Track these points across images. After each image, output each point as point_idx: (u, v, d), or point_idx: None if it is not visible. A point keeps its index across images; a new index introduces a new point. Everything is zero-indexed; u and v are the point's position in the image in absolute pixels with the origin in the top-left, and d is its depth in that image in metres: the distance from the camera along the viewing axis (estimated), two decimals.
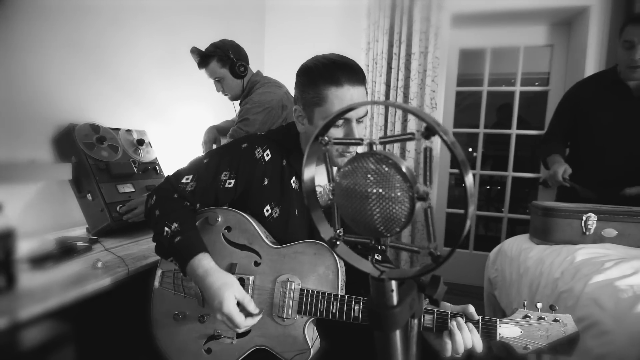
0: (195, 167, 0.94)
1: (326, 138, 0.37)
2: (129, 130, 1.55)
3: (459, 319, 0.76)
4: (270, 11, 2.80)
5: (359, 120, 0.87)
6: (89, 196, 1.31)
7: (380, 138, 0.34)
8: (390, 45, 2.36)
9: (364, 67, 2.39)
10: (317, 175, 1.00)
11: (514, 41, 2.55)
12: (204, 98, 2.19)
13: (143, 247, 1.24)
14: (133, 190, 1.43)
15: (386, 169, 0.30)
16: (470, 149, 3.46)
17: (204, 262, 0.82)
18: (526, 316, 0.78)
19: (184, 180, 0.92)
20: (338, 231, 0.37)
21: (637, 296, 0.88)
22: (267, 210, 0.95)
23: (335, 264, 0.84)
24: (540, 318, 0.77)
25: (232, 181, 0.93)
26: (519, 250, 1.45)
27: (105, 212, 1.29)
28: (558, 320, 0.76)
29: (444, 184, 2.76)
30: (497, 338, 0.77)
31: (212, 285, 0.79)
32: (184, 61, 1.95)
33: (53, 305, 0.80)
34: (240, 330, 0.80)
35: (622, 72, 1.54)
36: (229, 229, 0.91)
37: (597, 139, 1.63)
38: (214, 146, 1.67)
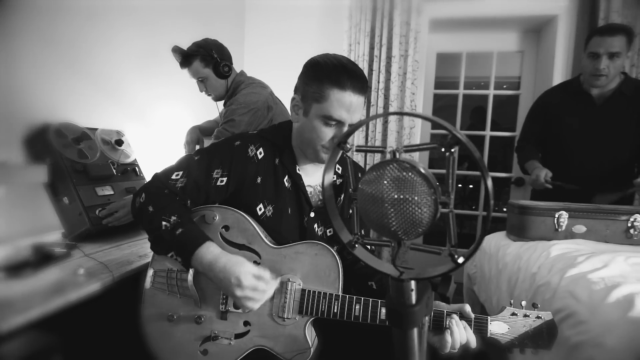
0: (185, 164, 0.93)
1: (348, 145, 0.37)
2: (106, 130, 1.49)
3: (455, 316, 0.79)
4: (250, 11, 2.77)
5: (349, 125, 0.90)
6: (65, 200, 1.25)
7: (404, 147, 0.35)
8: (372, 48, 2.40)
9: None
10: (307, 175, 1.01)
11: (488, 46, 2.66)
12: (183, 98, 2.13)
13: (126, 252, 1.19)
14: (112, 192, 1.38)
15: (412, 176, 0.32)
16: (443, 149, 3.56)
17: (212, 249, 0.82)
18: (513, 314, 0.82)
19: (173, 177, 0.90)
20: (357, 235, 0.37)
21: (608, 287, 0.95)
22: (260, 209, 0.95)
23: (336, 265, 0.85)
24: (525, 315, 0.82)
25: (224, 179, 0.92)
26: (497, 247, 1.52)
27: (84, 216, 1.23)
28: (540, 317, 0.81)
29: None
30: (488, 334, 0.81)
31: (224, 266, 0.79)
32: (162, 59, 1.90)
33: (36, 315, 0.76)
34: (265, 297, 0.80)
35: (587, 80, 1.65)
36: (226, 228, 0.90)
37: (564, 144, 1.74)
38: (197, 147, 1.63)
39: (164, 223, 0.83)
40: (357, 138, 2.42)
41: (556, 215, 1.40)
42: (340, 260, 0.87)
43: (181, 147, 2.04)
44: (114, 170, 1.41)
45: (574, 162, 1.71)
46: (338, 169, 1.06)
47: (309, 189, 1.01)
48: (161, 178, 0.91)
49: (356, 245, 0.37)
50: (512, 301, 0.84)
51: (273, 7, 2.71)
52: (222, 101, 1.71)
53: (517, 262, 1.31)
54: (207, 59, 1.49)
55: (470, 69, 2.74)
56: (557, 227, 1.40)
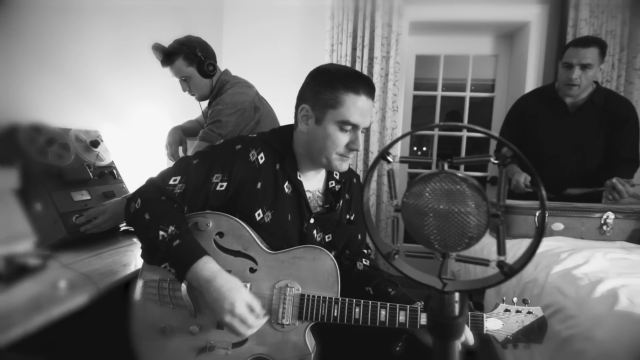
0: (183, 168, 0.88)
1: (390, 158, 0.36)
2: (81, 131, 1.40)
3: None
4: (229, 11, 2.69)
5: (362, 130, 0.91)
6: (38, 206, 1.15)
7: (455, 158, 0.35)
8: (354, 49, 2.41)
9: None
10: (307, 180, 1.00)
11: (464, 50, 2.74)
12: (161, 97, 2.04)
13: (107, 261, 1.12)
14: (89, 197, 1.30)
15: (464, 188, 0.31)
16: (424, 148, 3.66)
17: (210, 265, 0.78)
18: (506, 310, 0.85)
19: (171, 182, 0.86)
20: (396, 246, 0.36)
21: (593, 283, 1.00)
22: (259, 215, 0.92)
23: (335, 269, 0.84)
24: (518, 311, 0.85)
25: (224, 184, 0.89)
26: (481, 246, 1.57)
27: (60, 224, 1.15)
28: (531, 312, 0.84)
29: (403, 184, 2.88)
30: (484, 331, 0.83)
31: (221, 288, 0.76)
32: (138, 56, 1.81)
33: (15, 336, 0.69)
34: (249, 333, 0.78)
35: (561, 89, 1.73)
36: (220, 234, 0.87)
37: (539, 149, 1.81)
38: (180, 148, 1.56)
39: (161, 233, 0.79)
40: None
41: (537, 214, 1.46)
42: (337, 265, 0.86)
43: (160, 148, 1.96)
44: (91, 174, 1.32)
45: (548, 167, 1.79)
46: (335, 174, 1.06)
47: (308, 194, 1.00)
48: (158, 183, 0.86)
49: (396, 257, 0.36)
50: (504, 298, 0.87)
51: (252, 6, 2.65)
52: (206, 101, 1.65)
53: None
54: (190, 57, 1.43)
55: (447, 71, 2.81)
56: (537, 224, 1.46)
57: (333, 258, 0.86)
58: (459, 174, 0.32)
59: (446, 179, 0.33)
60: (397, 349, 0.91)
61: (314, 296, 0.82)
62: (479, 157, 0.33)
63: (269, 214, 0.93)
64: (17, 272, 0.95)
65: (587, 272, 1.06)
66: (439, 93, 2.79)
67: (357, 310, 0.82)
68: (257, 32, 2.66)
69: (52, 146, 1.22)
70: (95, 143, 1.40)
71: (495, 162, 0.33)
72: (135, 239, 1.36)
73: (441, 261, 0.34)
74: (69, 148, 1.29)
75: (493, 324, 0.83)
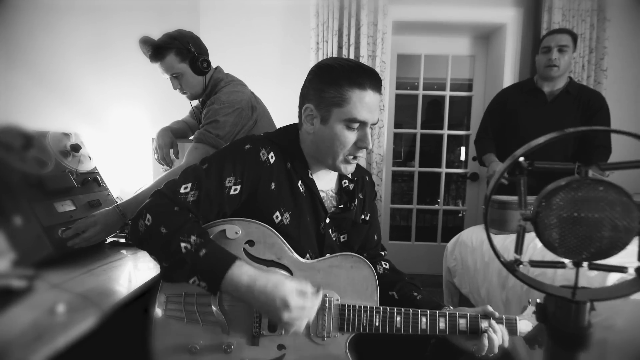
0: (193, 175, 0.81)
1: (525, 163, 0.33)
2: (59, 134, 1.26)
3: (490, 319, 0.81)
4: (206, 9, 2.56)
5: (371, 126, 0.87)
6: (17, 220, 1.02)
7: (601, 164, 0.32)
8: (340, 47, 2.38)
9: None
10: (319, 180, 0.96)
11: (443, 50, 2.81)
12: (139, 98, 1.90)
13: (101, 278, 1.01)
14: (74, 208, 1.17)
15: (617, 196, 0.29)
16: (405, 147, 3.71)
17: (246, 268, 0.72)
18: (534, 312, 0.86)
19: (182, 190, 0.78)
20: (519, 256, 0.33)
21: (602, 273, 1.04)
22: (277, 217, 0.87)
23: (373, 277, 0.81)
24: None
25: (238, 187, 0.82)
26: (480, 241, 1.60)
27: (44, 239, 1.02)
28: None
29: (388, 180, 2.91)
30: (518, 333, 0.83)
31: (265, 288, 0.70)
32: (115, 53, 1.67)
33: None
34: (313, 315, 0.73)
35: (542, 73, 1.84)
36: (251, 243, 0.80)
37: (519, 136, 1.91)
38: (171, 151, 1.45)
39: (183, 245, 0.71)
40: None
41: (532, 208, 1.51)
42: (375, 272, 0.83)
43: (141, 151, 1.82)
44: (74, 182, 1.19)
45: (530, 152, 1.88)
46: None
47: (321, 194, 0.96)
48: (167, 194, 0.78)
49: (520, 266, 0.33)
50: (530, 299, 0.88)
51: (231, 5, 2.54)
52: (195, 100, 1.55)
53: (505, 254, 1.38)
54: (183, 53, 1.33)
55: (427, 70, 2.87)
56: None
57: (371, 265, 0.82)
58: (611, 182, 0.30)
59: (590, 186, 0.30)
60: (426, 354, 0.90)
61: (354, 306, 0.79)
62: (632, 163, 0.31)
63: (288, 215, 0.88)
64: (1, 297, 0.82)
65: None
66: (421, 92, 2.85)
67: (398, 319, 0.79)
68: (237, 30, 2.56)
69: (30, 151, 1.09)
70: (77, 147, 1.27)
71: None
72: (124, 251, 1.25)
73: (575, 270, 0.32)
74: (48, 153, 1.15)
75: (525, 325, 0.84)
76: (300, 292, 0.72)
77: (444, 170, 2.93)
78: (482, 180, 2.84)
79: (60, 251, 1.05)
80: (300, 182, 0.91)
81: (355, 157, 0.88)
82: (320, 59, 2.36)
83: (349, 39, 2.35)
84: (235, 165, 0.83)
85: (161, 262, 0.75)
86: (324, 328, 0.77)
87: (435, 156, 2.97)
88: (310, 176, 0.92)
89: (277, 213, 0.86)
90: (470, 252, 1.64)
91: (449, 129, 2.88)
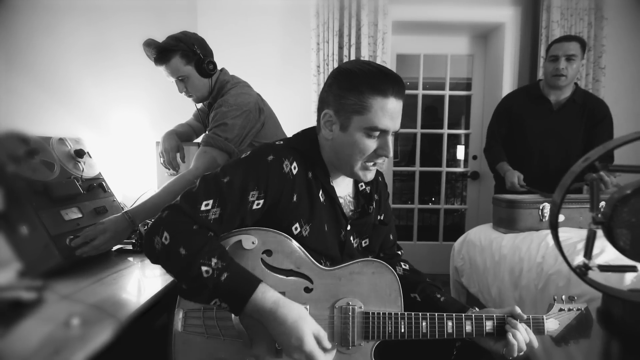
0: (214, 189, 0.77)
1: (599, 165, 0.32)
2: (62, 139, 1.22)
3: (512, 322, 0.80)
4: (203, 10, 2.52)
5: (392, 134, 0.85)
6: (23, 229, 0.98)
7: (612, 165, 0.31)
8: (340, 47, 2.37)
9: (315, 68, 2.34)
10: (337, 186, 0.94)
11: (442, 49, 2.81)
12: (139, 101, 1.86)
13: (113, 288, 0.98)
14: (80, 215, 1.13)
15: None
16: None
17: (270, 294, 0.70)
18: (561, 309, 0.85)
19: (203, 207, 0.75)
20: (590, 261, 0.32)
21: (618, 273, 1.04)
22: (296, 229, 0.84)
23: (396, 282, 0.80)
24: (570, 309, 0.85)
25: (261, 202, 0.80)
26: (488, 240, 1.60)
27: (52, 248, 0.99)
28: (580, 309, 0.85)
29: (389, 180, 2.91)
30: (545, 332, 0.82)
31: (286, 319, 0.68)
32: (115, 55, 1.63)
33: None
34: None
35: (548, 82, 1.83)
36: (268, 253, 0.78)
37: (526, 144, 1.90)
38: (178, 155, 1.42)
39: (204, 269, 0.68)
40: None
41: (540, 207, 1.51)
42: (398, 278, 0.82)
43: (144, 156, 1.78)
44: (80, 188, 1.16)
45: (534, 161, 1.88)
46: None
47: (340, 200, 0.94)
48: (186, 210, 0.74)
49: (590, 271, 0.32)
50: (555, 297, 0.87)
51: (229, 5, 2.51)
52: (199, 103, 1.52)
53: (517, 253, 1.39)
54: (188, 55, 1.30)
55: (426, 70, 2.87)
56: (541, 217, 1.52)
57: (393, 270, 0.80)
58: None
59: None
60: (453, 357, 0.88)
61: (378, 313, 0.77)
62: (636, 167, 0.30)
63: (307, 227, 0.85)
64: (11, 310, 0.79)
65: (607, 260, 1.10)
66: (420, 92, 2.85)
67: (424, 324, 0.78)
68: (236, 30, 2.53)
69: (35, 158, 1.05)
70: (80, 152, 1.23)
71: None
72: (131, 258, 1.22)
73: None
74: (53, 159, 1.12)
75: (552, 324, 0.83)
76: (317, 337, 0.70)
77: (444, 169, 2.93)
78: (483, 179, 2.85)
79: (69, 260, 1.01)
80: (321, 192, 0.89)
81: (374, 164, 0.86)
82: (321, 59, 2.35)
83: (349, 40, 2.33)
84: (259, 178, 0.80)
85: (180, 283, 0.72)
86: (349, 337, 0.76)
87: (429, 156, 2.99)
88: (331, 183, 0.91)
89: (297, 225, 0.84)
90: (479, 251, 1.64)
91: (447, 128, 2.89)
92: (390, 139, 0.84)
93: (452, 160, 3.23)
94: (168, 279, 1.04)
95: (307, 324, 0.70)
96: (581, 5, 2.26)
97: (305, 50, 2.42)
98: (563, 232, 1.42)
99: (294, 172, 0.84)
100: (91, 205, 1.19)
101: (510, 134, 1.97)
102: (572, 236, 1.37)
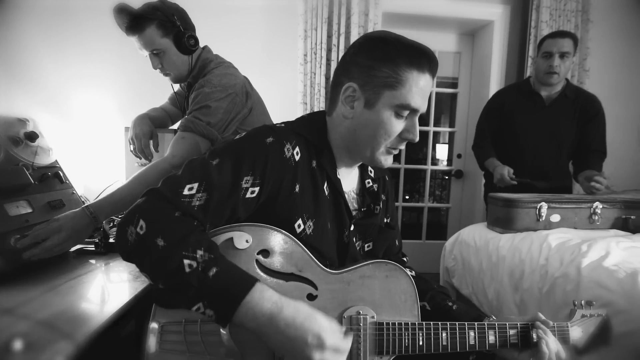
0: (200, 172, 0.64)
1: None
2: (10, 119, 1.02)
3: (543, 328, 0.72)
4: None
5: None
6: None
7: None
8: (329, 36, 2.25)
9: (302, 57, 2.21)
10: (343, 179, 0.82)
11: (430, 46, 2.74)
12: (104, 80, 1.65)
13: (70, 299, 0.81)
14: (30, 210, 0.95)
15: None
16: None
17: (269, 294, 0.57)
18: (583, 315, 0.79)
19: (186, 192, 0.61)
20: None
21: (629, 274, 0.99)
22: (300, 226, 0.72)
23: (412, 287, 0.69)
24: (592, 315, 0.80)
25: (256, 189, 0.67)
26: (484, 240, 1.54)
27: None
28: (600, 315, 0.80)
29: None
30: (570, 342, 0.76)
31: (294, 321, 0.56)
32: (77, 22, 1.43)
33: None
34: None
35: (541, 79, 1.80)
36: (265, 253, 0.65)
37: (517, 139, 1.88)
38: (151, 143, 1.25)
39: (187, 262, 0.54)
40: None
41: (537, 207, 1.47)
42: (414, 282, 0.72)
43: (110, 144, 1.58)
44: (30, 177, 0.97)
45: (525, 156, 1.86)
46: (370, 171, 0.90)
47: (346, 194, 0.82)
48: (166, 194, 0.60)
49: None
50: (575, 302, 0.81)
51: None
52: (178, 84, 1.35)
53: (517, 254, 1.33)
54: (166, 26, 1.12)
55: None
56: (538, 217, 1.48)
57: (409, 273, 0.70)
58: None
59: None
60: None
61: (393, 323, 0.66)
62: None
63: (311, 224, 0.73)
64: None
65: (616, 263, 1.06)
66: None
67: (444, 335, 0.68)
68: (217, 12, 2.33)
69: None
70: (33, 136, 1.04)
71: None
72: (94, 261, 1.04)
73: None
74: None
75: (576, 332, 0.77)
76: (334, 330, 0.59)
77: (429, 167, 2.89)
78: (467, 177, 2.84)
79: (13, 265, 0.83)
80: (325, 184, 0.77)
81: (396, 149, 0.77)
82: (309, 47, 2.22)
83: (339, 28, 2.22)
84: (255, 161, 0.67)
85: (156, 282, 0.57)
86: (360, 352, 0.64)
87: (409, 155, 2.95)
88: (337, 175, 0.79)
89: (300, 221, 0.72)
90: (474, 252, 1.58)
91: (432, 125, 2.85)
92: (417, 122, 0.75)
93: (436, 159, 3.20)
94: (139, 285, 0.88)
95: (320, 318, 0.58)
96: (569, 7, 2.26)
97: (292, 38, 2.28)
98: (561, 233, 1.39)
99: (297, 158, 0.72)
100: (44, 198, 1.01)
101: (500, 130, 1.94)
102: (572, 237, 1.33)
